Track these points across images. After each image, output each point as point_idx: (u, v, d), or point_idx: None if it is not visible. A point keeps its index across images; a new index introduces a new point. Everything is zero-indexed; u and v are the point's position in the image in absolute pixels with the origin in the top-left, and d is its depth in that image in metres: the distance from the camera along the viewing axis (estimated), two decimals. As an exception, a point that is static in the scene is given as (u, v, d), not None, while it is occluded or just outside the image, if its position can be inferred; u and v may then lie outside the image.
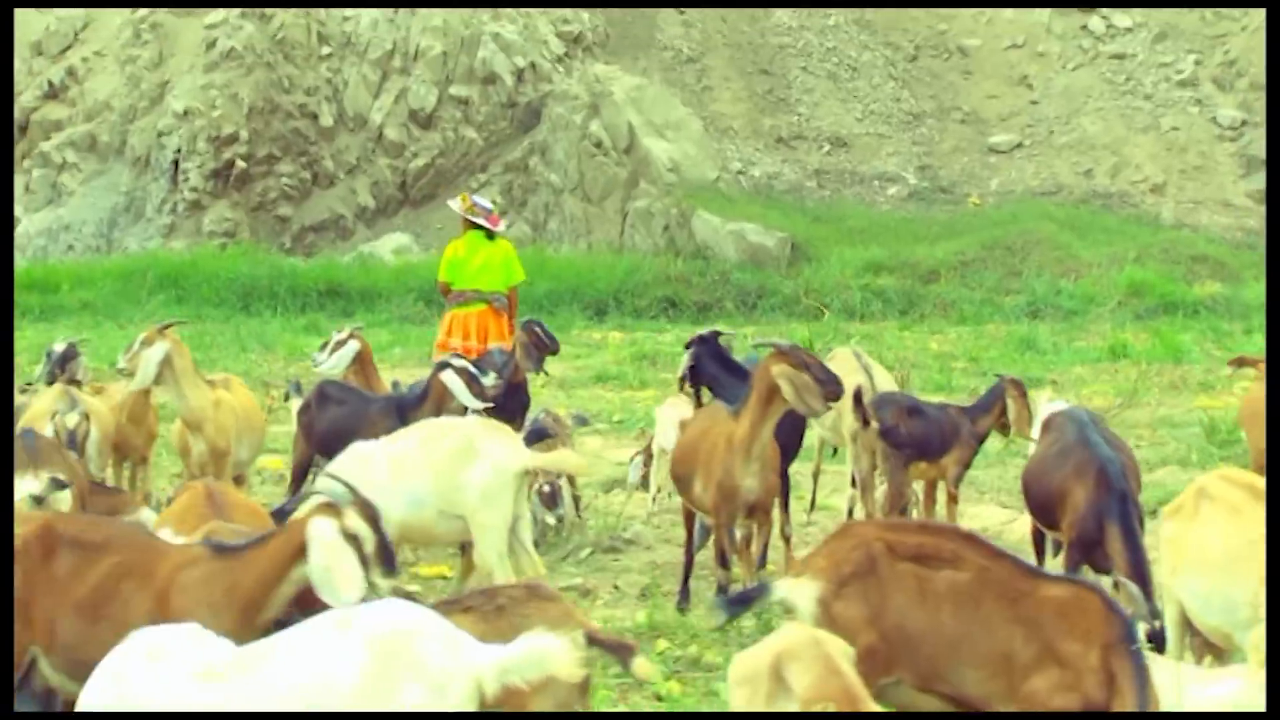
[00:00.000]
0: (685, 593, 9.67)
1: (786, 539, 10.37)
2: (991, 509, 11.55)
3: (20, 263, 27.95)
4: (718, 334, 11.03)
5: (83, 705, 5.14)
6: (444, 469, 8.81)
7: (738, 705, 5.45)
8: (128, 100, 29.43)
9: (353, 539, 6.01)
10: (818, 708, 5.10)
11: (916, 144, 30.51)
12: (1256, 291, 23.71)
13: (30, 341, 22.64)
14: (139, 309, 24.96)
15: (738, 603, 6.47)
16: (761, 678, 5.32)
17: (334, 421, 10.84)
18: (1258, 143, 29.68)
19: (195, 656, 5.11)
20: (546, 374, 12.92)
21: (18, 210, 29.94)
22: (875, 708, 5.22)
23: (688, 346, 10.83)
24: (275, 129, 28.49)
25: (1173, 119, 30.26)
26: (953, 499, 10.69)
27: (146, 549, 6.30)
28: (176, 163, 28.54)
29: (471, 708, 4.96)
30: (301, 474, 11.19)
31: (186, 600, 6.05)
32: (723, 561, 9.18)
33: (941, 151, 30.34)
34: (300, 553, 6.05)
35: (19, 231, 29.44)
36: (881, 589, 6.02)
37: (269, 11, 28.80)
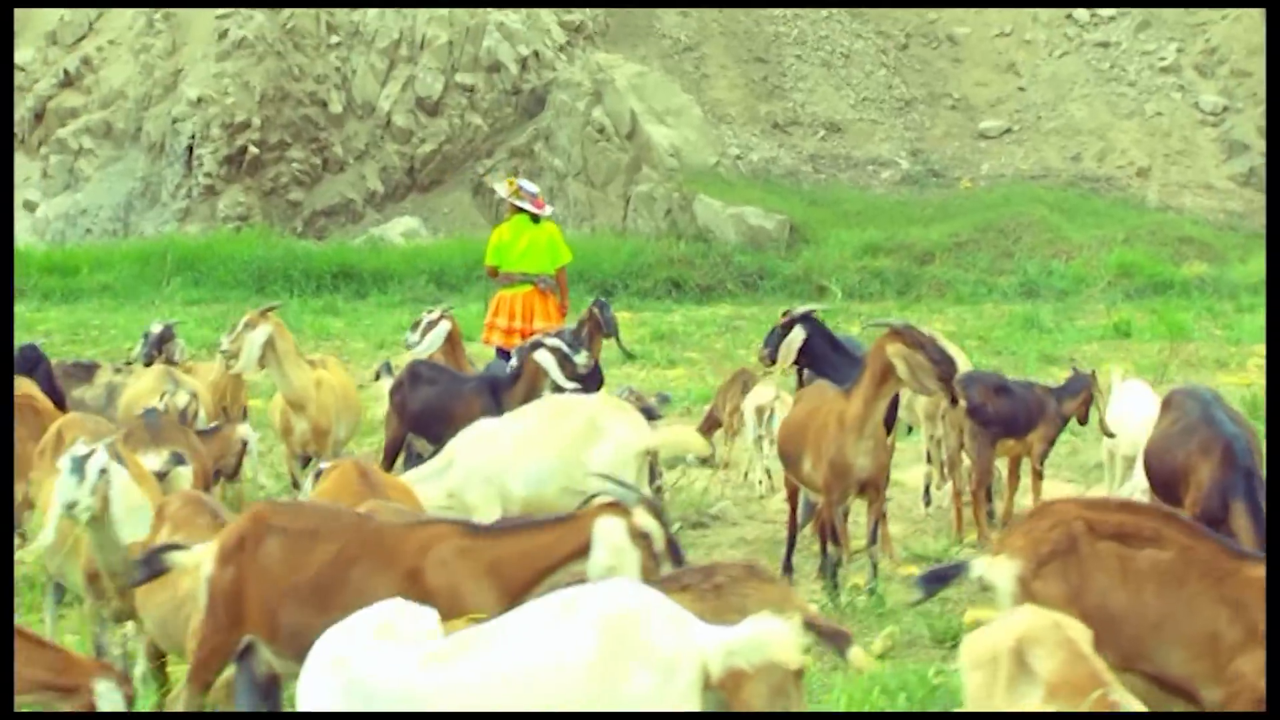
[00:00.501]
0: (788, 567, 9.64)
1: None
2: (1057, 484, 11.42)
3: (40, 246, 28.21)
4: (810, 312, 10.85)
5: (305, 687, 5.07)
6: (568, 447, 8.78)
7: (973, 688, 5.24)
8: (142, 88, 29.68)
9: (642, 538, 5.98)
10: (1065, 693, 4.91)
11: (908, 129, 30.96)
12: (1242, 272, 24.21)
13: (56, 323, 22.97)
14: (157, 291, 25.27)
15: (935, 580, 6.23)
16: (1002, 661, 5.12)
17: (426, 401, 10.85)
18: (1239, 128, 30.20)
19: (419, 639, 5.03)
20: (631, 355, 13.31)
21: (36, 195, 30.17)
22: (1124, 693, 4.96)
23: (790, 325, 10.60)
24: (286, 116, 28.77)
25: (1156, 105, 30.76)
26: (1037, 475, 10.70)
27: (374, 530, 6.17)
28: (191, 149, 28.76)
29: (697, 690, 4.83)
30: (394, 453, 11.12)
31: (445, 577, 5.95)
32: (834, 538, 9.15)
33: (933, 137, 30.80)
34: (583, 549, 5.98)
35: (37, 215, 29.68)
36: (1082, 568, 5.89)
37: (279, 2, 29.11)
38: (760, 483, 12.06)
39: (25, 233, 29.28)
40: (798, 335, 10.50)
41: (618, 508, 6.06)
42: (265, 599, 5.98)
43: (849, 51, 31.80)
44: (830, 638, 5.44)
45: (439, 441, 10.31)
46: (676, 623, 4.90)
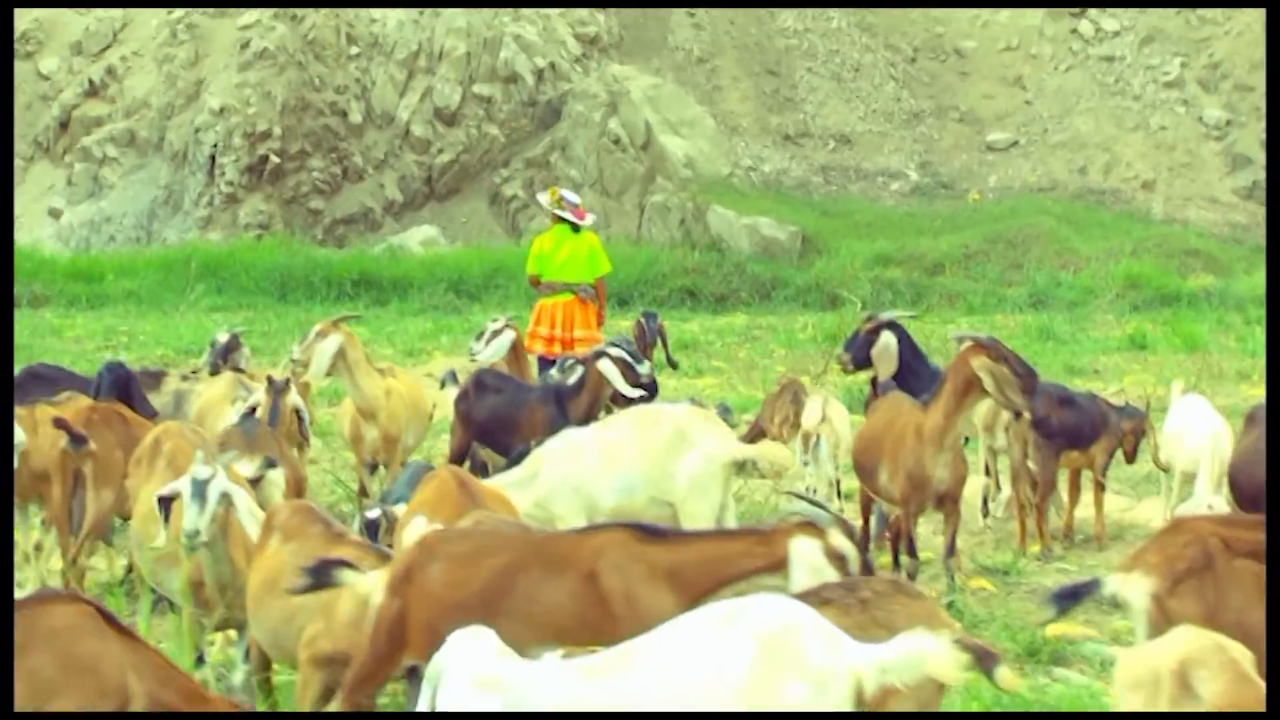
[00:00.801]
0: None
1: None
2: (1108, 496, 11.39)
3: (64, 253, 28.47)
4: (895, 318, 10.82)
5: (451, 706, 4.99)
6: (656, 457, 8.67)
7: (1131, 708, 5.17)
8: (165, 98, 29.98)
9: (838, 559, 5.92)
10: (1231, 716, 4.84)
11: (917, 141, 31.27)
12: (1248, 284, 24.42)
13: (84, 329, 23.20)
14: (182, 297, 25.52)
15: (1068, 597, 6.10)
16: (1164, 683, 5.03)
17: (492, 409, 10.88)
18: (1243, 141, 30.51)
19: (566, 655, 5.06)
20: (675, 364, 13.57)
21: (61, 202, 30.42)
22: None
23: (876, 330, 10.54)
24: (307, 126, 29.07)
25: (1161, 118, 31.06)
26: (1100, 488, 10.73)
27: (543, 540, 6.23)
28: (213, 158, 29.05)
29: (849, 707, 4.80)
30: (459, 461, 10.99)
31: (621, 580, 5.91)
32: (910, 550, 9.09)
33: (941, 149, 31.11)
34: (776, 565, 5.94)
35: (62, 223, 29.94)
36: (1218, 585, 5.79)
37: (300, 13, 29.37)
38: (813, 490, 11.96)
39: (50, 240, 29.57)
40: (891, 341, 10.48)
41: (812, 528, 5.99)
42: (431, 622, 5.91)
43: (858, 65, 32.11)
44: (979, 656, 5.19)
45: (504, 450, 10.50)
46: (830, 639, 4.88)
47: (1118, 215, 28.71)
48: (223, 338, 12.81)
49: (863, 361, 10.64)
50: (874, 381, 10.66)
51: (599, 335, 13.60)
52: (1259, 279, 24.73)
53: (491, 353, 12.09)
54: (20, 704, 5.31)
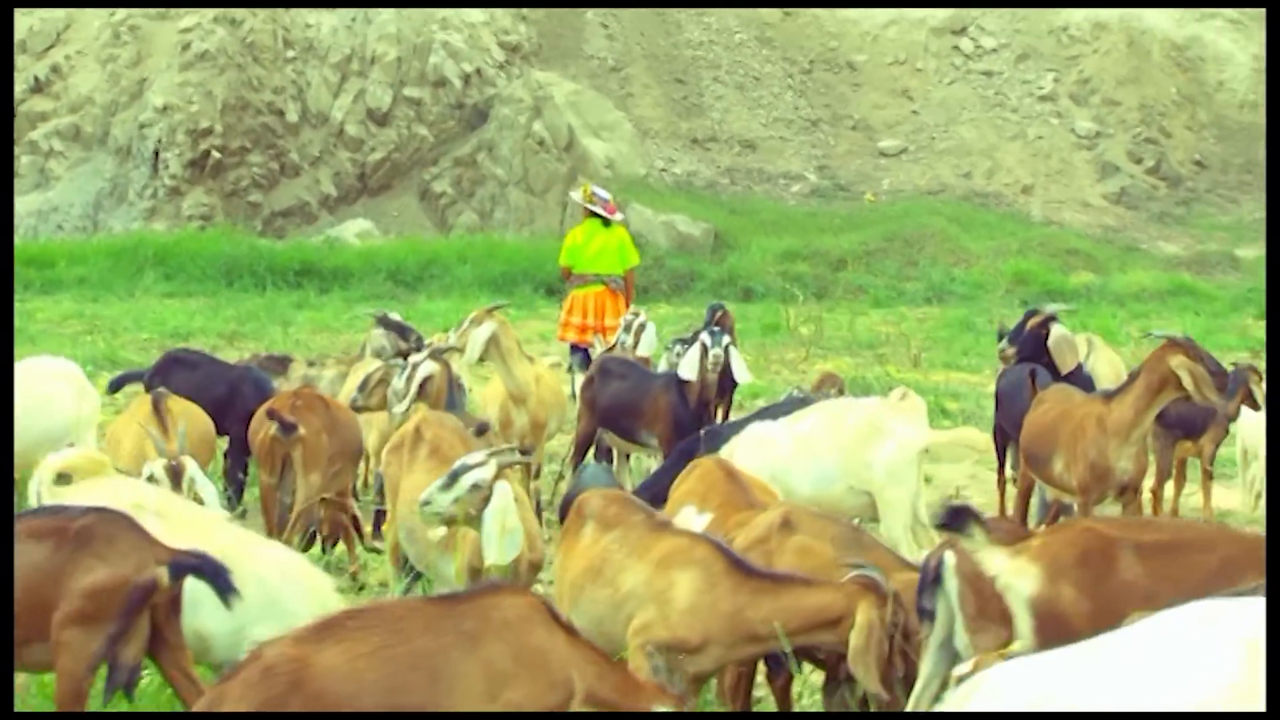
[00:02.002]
0: None
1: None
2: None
3: (15, 240, 28.85)
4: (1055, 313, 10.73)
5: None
6: (851, 447, 8.67)
7: None
8: (109, 95, 30.47)
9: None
10: None
11: (815, 147, 32.59)
12: (1123, 281, 25.86)
13: (46, 313, 23.72)
14: (131, 284, 25.98)
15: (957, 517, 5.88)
16: None
17: (615, 395, 10.93)
18: (1111, 151, 32.27)
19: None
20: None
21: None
22: None
23: (1045, 324, 10.48)
24: (246, 124, 29.70)
25: (1036, 129, 32.71)
26: (1208, 476, 10.92)
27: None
28: (157, 152, 29.53)
29: None
30: (585, 447, 11.13)
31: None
32: None
33: (837, 154, 32.44)
34: (835, 621, 5.95)
35: (11, 212, 30.30)
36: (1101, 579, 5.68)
37: (239, 18, 30.03)
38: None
39: (-2, 228, 29.87)
40: (1067, 333, 10.51)
41: (876, 590, 5.98)
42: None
43: (759, 75, 33.40)
44: None
45: (628, 435, 10.89)
46: None
47: (1001, 217, 30.10)
48: (392, 317, 12.23)
49: (1028, 354, 10.53)
50: (1033, 374, 10.27)
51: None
52: (1134, 277, 26.36)
53: (645, 344, 12.09)
54: (473, 692, 5.22)
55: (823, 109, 33.15)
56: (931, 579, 6.07)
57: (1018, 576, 5.77)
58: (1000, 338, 11.18)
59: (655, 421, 10.60)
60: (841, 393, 11.80)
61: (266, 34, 30.16)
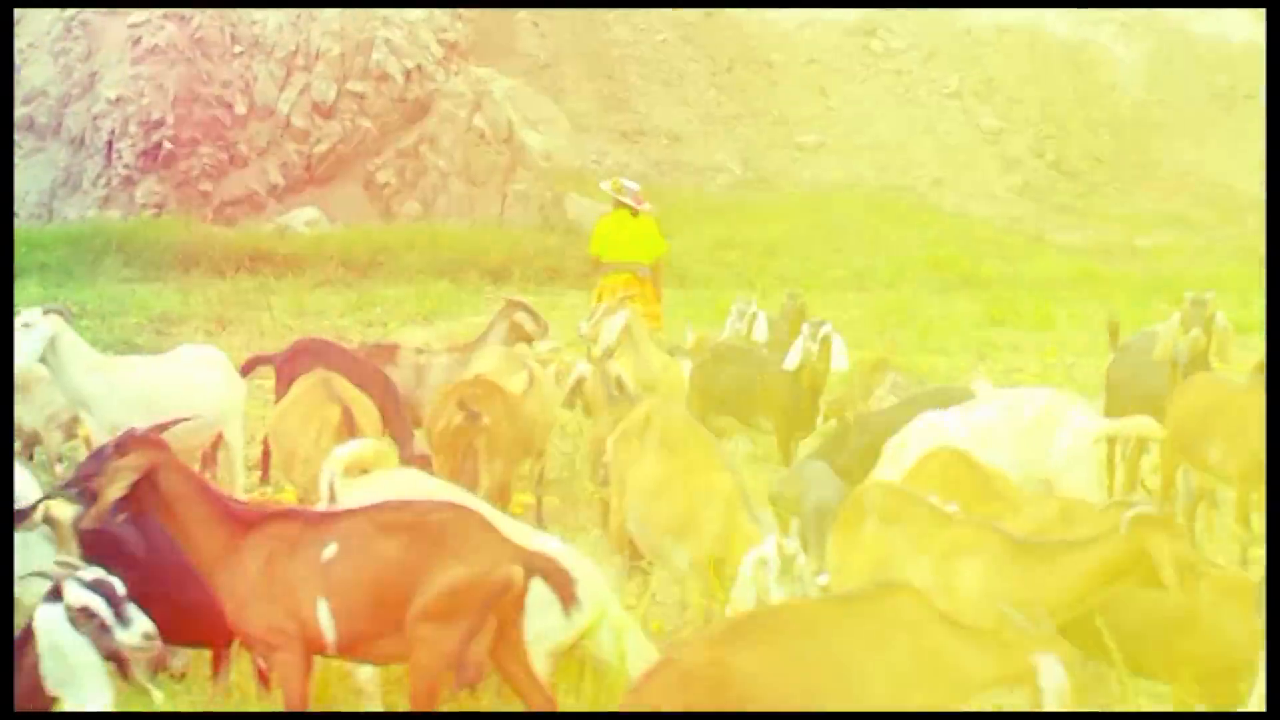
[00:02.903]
0: None
1: None
2: None
3: (-31, 228, 29.16)
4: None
5: None
6: (1029, 437, 8.64)
7: None
8: (62, 87, 30.85)
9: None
10: None
11: (737, 141, 33.68)
12: (1032, 269, 26.98)
13: (17, 301, 24.17)
14: (92, 270, 26.32)
15: None
16: None
17: (730, 380, 11.02)
18: (1013, 146, 33.67)
19: None
20: None
21: (-37, 181, 31.02)
22: None
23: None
24: (196, 116, 30.20)
25: (945, 125, 34.03)
26: None
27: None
28: (110, 143, 30.04)
29: None
30: None
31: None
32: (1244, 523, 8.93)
33: (758, 148, 33.51)
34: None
35: (-33, 201, 30.58)
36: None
37: (187, 14, 30.57)
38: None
39: (-46, 215, 30.19)
40: (1228, 325, 10.29)
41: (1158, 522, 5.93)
42: None
43: (683, 73, 34.44)
44: None
45: (745, 419, 11.00)
46: None
47: (915, 207, 31.22)
48: (517, 299, 12.32)
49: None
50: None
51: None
52: (1041, 264, 27.58)
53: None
54: (878, 695, 5.09)
55: (743, 105, 34.23)
56: None
57: None
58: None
59: (769, 406, 10.74)
60: (895, 382, 11.70)
61: (214, 30, 30.71)
